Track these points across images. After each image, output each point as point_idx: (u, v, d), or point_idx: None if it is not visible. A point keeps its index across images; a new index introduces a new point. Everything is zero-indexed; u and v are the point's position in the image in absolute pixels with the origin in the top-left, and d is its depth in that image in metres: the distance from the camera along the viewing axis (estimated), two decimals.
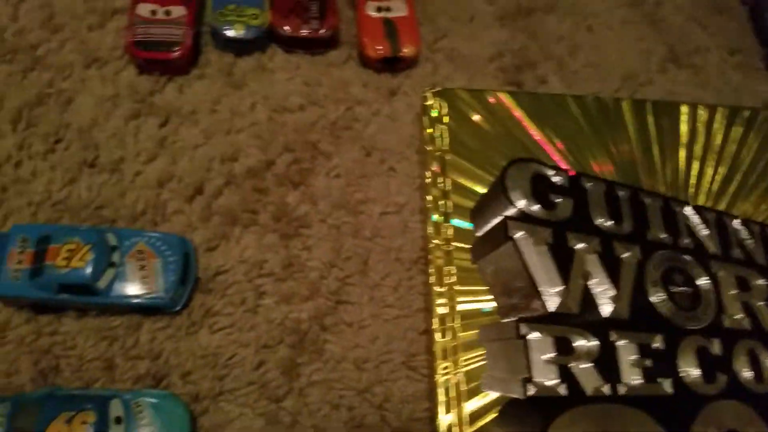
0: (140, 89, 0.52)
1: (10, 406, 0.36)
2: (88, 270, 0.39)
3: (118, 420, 0.37)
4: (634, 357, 0.41)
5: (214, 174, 0.49)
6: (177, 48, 0.52)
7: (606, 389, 0.39)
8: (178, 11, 0.54)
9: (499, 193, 0.46)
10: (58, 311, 0.42)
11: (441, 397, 0.40)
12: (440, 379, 0.40)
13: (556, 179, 0.48)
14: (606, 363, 0.40)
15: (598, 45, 0.61)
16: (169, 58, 0.52)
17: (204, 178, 0.49)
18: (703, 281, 0.45)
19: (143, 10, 0.53)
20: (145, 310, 0.42)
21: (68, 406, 0.36)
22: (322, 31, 0.55)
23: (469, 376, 0.40)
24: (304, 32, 0.54)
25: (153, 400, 0.38)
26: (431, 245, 0.45)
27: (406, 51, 0.55)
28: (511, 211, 0.45)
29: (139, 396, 0.38)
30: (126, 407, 0.37)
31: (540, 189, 0.47)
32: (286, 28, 0.54)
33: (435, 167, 0.49)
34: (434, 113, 0.51)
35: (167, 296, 0.41)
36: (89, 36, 0.54)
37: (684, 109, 0.54)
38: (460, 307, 0.42)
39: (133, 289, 0.41)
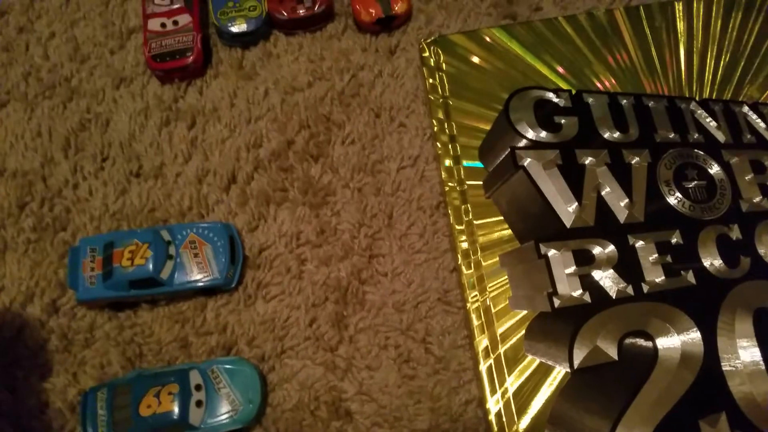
0: (165, 98, 0.57)
1: (107, 391, 0.43)
2: (150, 265, 0.45)
3: (198, 387, 0.43)
4: (653, 256, 0.42)
5: (242, 162, 0.53)
6: (189, 54, 0.56)
7: (630, 290, 0.41)
8: (184, 19, 0.58)
9: (505, 126, 0.48)
10: (133, 306, 0.48)
11: (475, 321, 0.43)
12: (471, 306, 0.44)
13: (557, 101, 0.49)
14: (627, 266, 0.42)
15: None
16: (185, 65, 0.56)
17: (235, 167, 0.53)
18: (716, 171, 0.46)
19: (153, 25, 0.58)
20: (206, 291, 0.48)
21: (154, 382, 0.42)
22: (317, 8, 0.57)
23: (496, 300, 0.43)
24: (301, 12, 0.57)
25: (226, 366, 0.44)
26: (447, 188, 0.48)
27: (398, 8, 0.57)
28: (518, 142, 0.47)
29: (214, 364, 0.44)
30: (204, 375, 0.43)
31: (544, 114, 0.48)
32: (283, 12, 0.57)
33: (440, 114, 0.51)
34: (432, 63, 0.53)
35: (222, 276, 0.46)
36: (113, 59, 0.59)
37: (679, 6, 0.53)
38: (480, 240, 0.45)
39: (192, 275, 0.47)
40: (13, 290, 0.48)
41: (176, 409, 0.41)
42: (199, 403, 0.42)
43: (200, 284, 0.46)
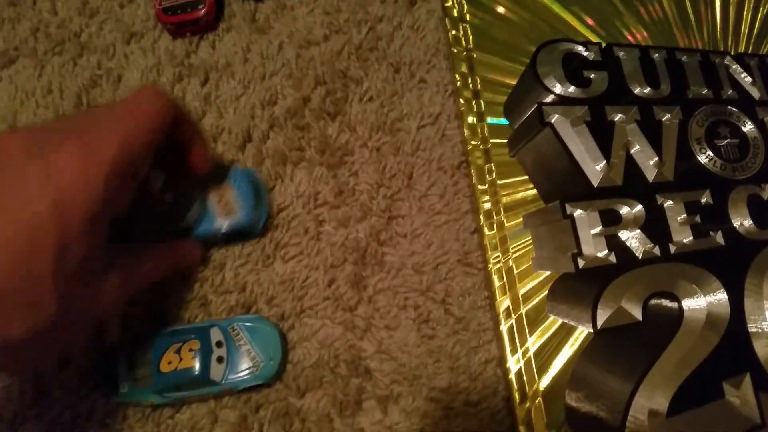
0: (177, 53, 0.55)
1: (128, 347, 0.43)
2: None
3: (219, 344, 0.43)
4: (682, 216, 0.41)
5: (257, 120, 0.52)
6: (201, 6, 0.54)
7: (657, 250, 0.40)
8: None
9: (532, 81, 0.47)
10: None
11: (496, 282, 0.43)
12: (493, 268, 0.43)
13: (587, 54, 0.47)
14: (654, 226, 0.41)
15: None
16: (196, 17, 0.54)
17: (250, 125, 0.52)
18: (749, 128, 0.44)
19: None
20: (233, 237, 0.47)
21: (175, 339, 0.43)
22: None
23: (519, 261, 0.43)
24: None
25: (247, 324, 0.44)
26: (470, 147, 0.47)
27: None
28: (546, 97, 0.46)
29: (234, 322, 0.44)
30: (224, 332, 0.43)
31: (572, 68, 0.46)
32: None
33: (463, 68, 0.49)
34: (456, 13, 0.51)
35: (247, 220, 0.45)
36: (122, 13, 0.57)
37: None
38: (504, 200, 0.44)
39: (218, 220, 0.45)
40: None
41: (197, 365, 0.42)
42: (220, 360, 0.43)
43: (227, 230, 0.45)
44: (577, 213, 0.41)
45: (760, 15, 0.48)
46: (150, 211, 0.43)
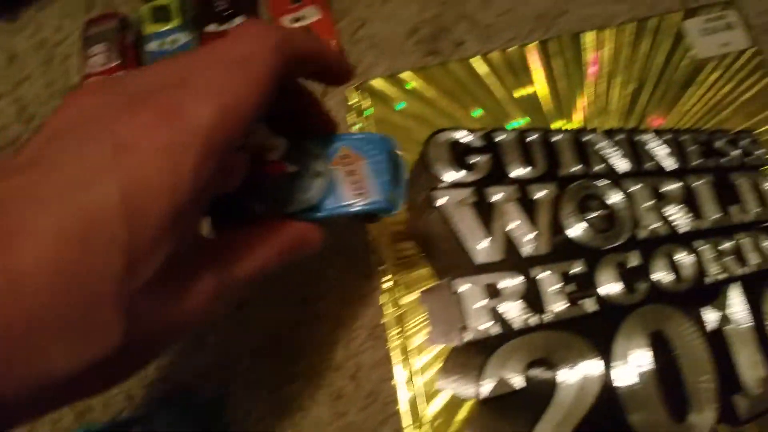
0: None
1: None
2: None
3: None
4: (556, 286, 0.45)
5: None
6: None
7: (533, 320, 0.44)
8: None
9: (422, 169, 0.51)
10: None
11: (396, 358, 0.46)
12: (391, 345, 0.47)
13: (470, 140, 0.52)
14: (532, 297, 0.45)
15: None
16: None
17: None
18: (616, 200, 0.49)
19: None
20: (365, 217, 0.41)
21: None
22: None
23: (415, 337, 0.46)
24: None
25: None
26: (373, 233, 0.51)
27: None
28: (435, 183, 0.50)
29: None
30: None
31: (459, 154, 0.51)
32: None
33: None
34: (359, 107, 0.56)
35: (382, 201, 0.36)
36: None
37: (589, 37, 0.56)
38: (401, 278, 0.48)
39: (348, 198, 0.36)
40: None
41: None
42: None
43: (359, 208, 0.36)
44: (462, 288, 0.46)
45: (628, 92, 0.53)
46: (266, 187, 0.34)
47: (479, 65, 0.56)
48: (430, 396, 0.45)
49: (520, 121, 0.53)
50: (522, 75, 0.55)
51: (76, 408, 0.49)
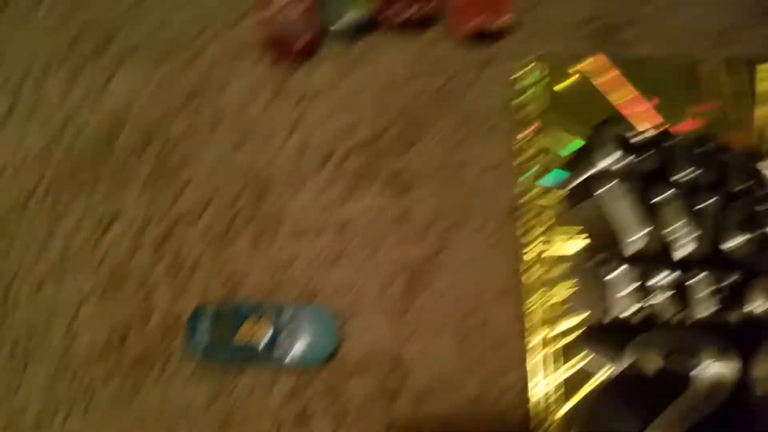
0: (275, 77, 0.63)
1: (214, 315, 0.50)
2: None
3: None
4: (705, 291, 0.47)
5: (337, 145, 0.59)
6: (302, 37, 0.61)
7: (677, 318, 0.46)
8: (302, 5, 0.63)
9: (586, 153, 0.53)
10: None
11: (534, 318, 0.48)
12: (533, 306, 0.49)
13: (640, 137, 0.53)
14: (680, 295, 0.46)
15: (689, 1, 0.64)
16: (297, 48, 0.62)
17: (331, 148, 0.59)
18: None
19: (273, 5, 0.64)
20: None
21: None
22: (425, 10, 0.62)
23: (557, 305, 0.48)
24: (405, 15, 0.62)
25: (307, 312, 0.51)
26: (525, 198, 0.53)
27: (501, 22, 0.61)
28: (596, 169, 0.51)
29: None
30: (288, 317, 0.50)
31: (625, 146, 0.52)
32: (390, 11, 0.62)
33: (527, 131, 0.56)
34: (527, 81, 0.58)
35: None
36: (232, 33, 0.66)
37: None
38: (550, 249, 0.50)
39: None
40: None
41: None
42: (282, 340, 0.49)
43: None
44: (610, 274, 0.47)
45: None
46: None
47: (660, 65, 0.56)
48: (563, 359, 0.46)
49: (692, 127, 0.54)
50: (697, 86, 0.56)
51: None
